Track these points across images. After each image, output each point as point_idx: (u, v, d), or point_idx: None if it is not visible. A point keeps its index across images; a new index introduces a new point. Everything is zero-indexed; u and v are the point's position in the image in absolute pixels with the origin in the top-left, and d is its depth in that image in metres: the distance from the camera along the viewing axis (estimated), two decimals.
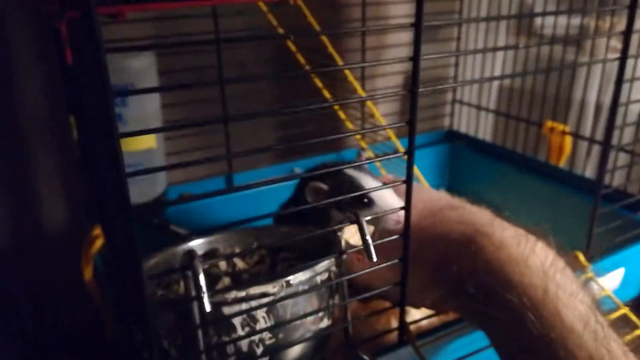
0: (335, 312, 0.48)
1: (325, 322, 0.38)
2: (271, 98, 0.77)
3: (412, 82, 0.33)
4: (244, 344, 0.35)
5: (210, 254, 0.47)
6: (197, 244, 0.47)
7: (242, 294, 0.33)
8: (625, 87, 0.47)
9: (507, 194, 0.78)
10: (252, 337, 0.34)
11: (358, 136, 0.76)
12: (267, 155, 0.77)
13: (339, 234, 0.38)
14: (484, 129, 0.84)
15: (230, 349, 0.35)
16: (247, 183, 0.73)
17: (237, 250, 0.48)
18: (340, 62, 0.67)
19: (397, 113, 0.95)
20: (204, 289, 0.29)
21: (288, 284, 0.35)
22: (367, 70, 0.79)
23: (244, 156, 0.65)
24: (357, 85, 0.68)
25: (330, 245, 0.39)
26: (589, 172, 0.74)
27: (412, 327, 0.43)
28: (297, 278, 0.35)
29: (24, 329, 0.58)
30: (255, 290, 0.34)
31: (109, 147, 0.25)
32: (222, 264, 0.45)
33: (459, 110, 0.87)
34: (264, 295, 0.34)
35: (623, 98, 0.47)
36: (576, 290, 0.33)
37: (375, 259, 0.35)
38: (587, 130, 0.76)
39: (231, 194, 0.70)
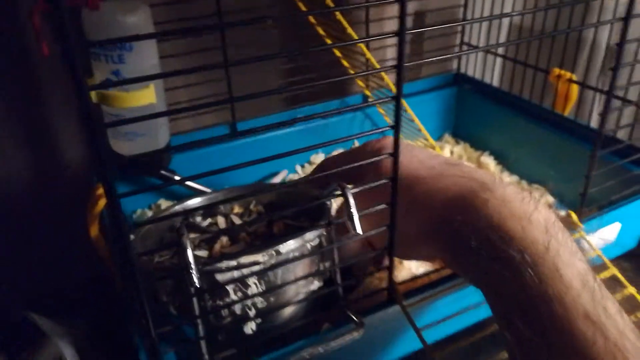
0: None
1: (316, 284, 0.40)
2: (275, 47, 0.76)
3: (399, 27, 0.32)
4: (237, 308, 0.37)
5: (210, 211, 0.48)
6: (197, 202, 0.49)
7: (234, 262, 0.35)
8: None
9: (512, 140, 0.78)
10: (245, 302, 0.37)
11: (361, 82, 0.76)
12: (271, 103, 0.77)
13: (327, 203, 0.39)
14: (492, 73, 0.82)
15: (224, 312, 0.37)
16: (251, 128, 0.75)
17: (237, 208, 0.50)
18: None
19: (406, 57, 0.93)
20: (192, 265, 0.31)
21: (278, 252, 0.36)
22: (372, 14, 0.76)
23: (246, 100, 0.65)
24: (351, 30, 0.66)
25: (322, 211, 0.40)
26: (595, 123, 0.72)
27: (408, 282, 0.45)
28: (287, 247, 0.36)
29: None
30: (245, 259, 0.35)
31: (80, 100, 0.25)
32: (221, 221, 0.47)
33: (466, 54, 0.85)
34: (255, 263, 0.35)
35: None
36: (575, 249, 0.33)
37: (360, 232, 0.36)
38: (594, 78, 0.74)
39: (236, 142, 0.71)
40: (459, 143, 0.84)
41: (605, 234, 0.58)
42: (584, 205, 0.53)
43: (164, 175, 0.61)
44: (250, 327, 0.38)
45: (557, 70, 0.70)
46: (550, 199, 0.70)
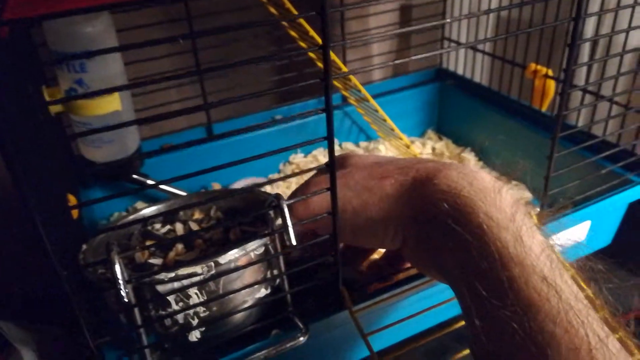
0: None
1: (263, 292, 0.41)
2: (249, 44, 0.76)
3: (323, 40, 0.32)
4: (179, 317, 0.38)
5: (170, 218, 0.49)
6: (156, 209, 0.50)
7: (172, 274, 0.36)
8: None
9: (492, 137, 0.77)
10: (187, 311, 0.37)
11: (337, 84, 0.76)
12: (246, 104, 0.77)
13: (270, 213, 0.39)
14: (473, 68, 0.81)
15: (167, 321, 0.38)
16: (227, 131, 0.75)
17: (197, 214, 0.50)
18: None
19: (394, 52, 0.93)
20: (120, 280, 0.32)
21: (217, 263, 0.37)
22: (351, 13, 0.76)
23: (220, 105, 0.66)
24: (313, 33, 0.66)
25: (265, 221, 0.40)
26: (576, 119, 0.71)
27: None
28: (227, 257, 0.37)
29: None
30: (184, 271, 0.36)
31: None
32: (179, 228, 0.48)
33: (448, 48, 0.84)
34: (194, 275, 0.36)
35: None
36: (536, 227, 0.34)
37: (294, 243, 0.36)
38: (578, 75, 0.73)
39: (213, 143, 0.72)
40: (442, 139, 0.84)
41: (574, 233, 0.58)
42: (546, 204, 0.52)
43: (136, 180, 0.62)
44: (194, 336, 0.39)
45: (533, 66, 0.69)
46: (529, 195, 0.70)
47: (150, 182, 0.64)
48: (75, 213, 0.49)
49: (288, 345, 0.39)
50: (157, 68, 0.63)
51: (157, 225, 0.48)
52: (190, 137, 0.71)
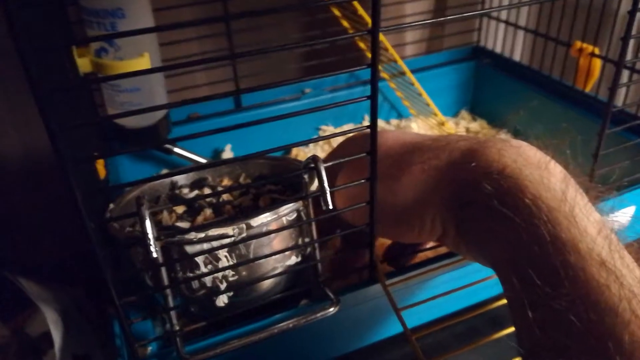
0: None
1: (294, 260, 0.39)
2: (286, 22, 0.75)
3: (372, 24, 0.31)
4: (207, 280, 0.36)
5: (198, 183, 0.48)
6: (186, 174, 0.49)
7: (202, 235, 0.34)
8: None
9: (531, 118, 0.74)
10: (216, 274, 0.36)
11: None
12: (279, 76, 0.75)
13: (304, 177, 0.37)
14: (513, 46, 0.78)
15: (195, 284, 0.36)
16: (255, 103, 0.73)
17: (226, 180, 0.49)
18: None
19: (430, 12, 0.89)
20: (150, 235, 0.30)
21: (249, 226, 0.35)
22: None
23: (252, 91, 0.64)
24: (362, 11, 0.64)
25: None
26: (621, 101, 0.68)
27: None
28: (259, 220, 0.35)
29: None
30: (215, 231, 0.35)
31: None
32: (207, 193, 0.47)
33: (486, 25, 0.81)
34: (224, 236, 0.35)
35: None
36: (589, 204, 0.31)
37: (330, 207, 0.34)
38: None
39: (240, 114, 0.71)
40: (476, 120, 0.81)
41: (617, 219, 0.55)
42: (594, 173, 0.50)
43: (165, 147, 0.61)
44: (222, 300, 0.37)
45: (579, 44, 0.66)
46: None
47: (178, 150, 0.62)
48: (102, 173, 0.48)
49: (318, 315, 0.37)
50: (186, 50, 0.62)
51: (185, 190, 0.47)
52: (218, 108, 0.70)
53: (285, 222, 0.38)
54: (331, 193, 0.41)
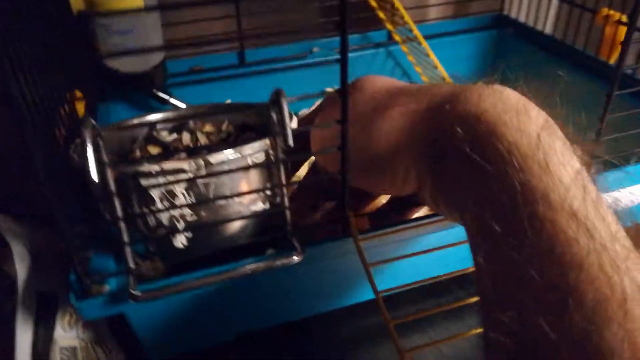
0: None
1: (261, 206, 0.37)
2: None
3: None
4: (164, 218, 0.35)
5: (178, 127, 0.46)
6: (167, 116, 0.47)
7: (156, 167, 0.33)
8: None
9: (552, 90, 0.70)
10: (172, 212, 0.34)
11: (382, 15, 0.70)
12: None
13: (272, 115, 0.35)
14: (537, 13, 0.73)
15: (152, 221, 0.35)
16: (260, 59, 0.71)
17: (208, 127, 0.47)
18: None
19: None
20: (90, 160, 0.29)
21: (208, 163, 0.33)
22: None
23: (255, 39, 0.62)
24: None
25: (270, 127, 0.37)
26: None
27: None
28: (218, 158, 0.34)
29: None
30: (169, 165, 0.33)
31: None
32: (186, 139, 0.45)
33: None
34: (180, 171, 0.33)
35: None
36: (572, 152, 0.28)
37: (291, 144, 0.32)
38: None
39: (242, 69, 0.69)
40: None
41: (627, 196, 0.51)
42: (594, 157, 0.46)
43: (157, 95, 0.60)
44: (180, 241, 0.36)
45: (605, 10, 0.61)
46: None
47: (173, 101, 0.61)
48: (80, 110, 0.47)
49: (279, 262, 0.35)
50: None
51: (164, 133, 0.45)
52: (221, 62, 0.68)
53: (250, 162, 0.35)
54: (307, 140, 0.38)
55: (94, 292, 0.35)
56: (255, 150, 0.35)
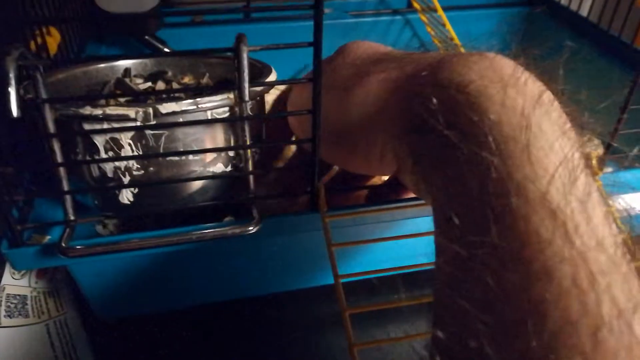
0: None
1: (221, 167, 0.34)
2: None
3: None
4: (108, 169, 0.31)
5: (157, 75, 0.43)
6: (145, 62, 0.44)
7: (98, 111, 0.29)
8: None
9: (578, 78, 0.64)
10: (117, 164, 0.31)
11: None
12: None
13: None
14: None
15: (95, 171, 0.32)
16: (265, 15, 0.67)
17: (187, 78, 0.44)
18: None
19: None
20: (12, 93, 0.25)
21: (157, 112, 0.30)
22: None
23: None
24: None
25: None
26: None
27: None
28: (169, 108, 0.30)
29: None
30: (113, 110, 0.29)
31: None
32: (160, 86, 0.41)
33: None
34: (124, 118, 0.29)
35: None
36: (568, 131, 0.23)
37: (247, 99, 0.28)
38: None
39: (246, 26, 0.64)
40: None
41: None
42: (611, 148, 0.41)
43: (151, 43, 0.56)
44: (125, 197, 0.32)
45: None
46: (600, 152, 0.57)
47: (166, 50, 0.57)
48: (52, 48, 0.43)
49: (231, 231, 0.32)
50: None
51: (139, 81, 0.42)
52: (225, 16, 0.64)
53: (209, 116, 0.32)
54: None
55: (33, 242, 0.33)
56: (215, 104, 0.31)
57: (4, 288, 0.40)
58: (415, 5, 0.65)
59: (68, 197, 0.31)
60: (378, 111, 0.29)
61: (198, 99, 0.30)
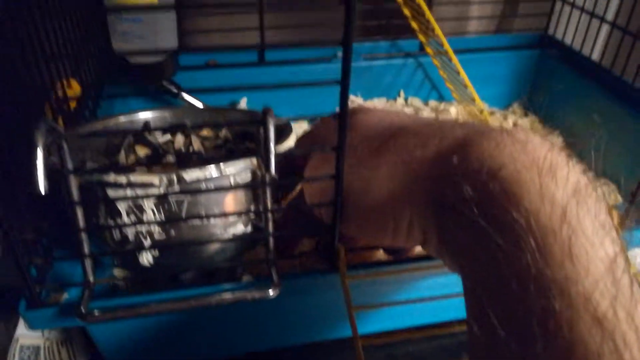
0: None
1: (241, 228, 0.34)
2: None
3: None
4: (130, 233, 0.31)
5: (173, 129, 0.43)
6: (165, 115, 0.44)
7: (122, 178, 0.30)
8: None
9: (591, 124, 0.64)
10: (139, 228, 0.31)
11: (414, 24, 0.65)
12: (309, 31, 0.69)
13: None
14: (585, 38, 0.67)
15: (117, 235, 0.32)
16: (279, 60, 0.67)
17: (205, 130, 0.44)
18: None
19: (500, 1, 0.80)
20: (39, 165, 0.25)
21: (181, 179, 0.30)
22: None
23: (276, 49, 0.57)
24: None
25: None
26: None
27: None
28: (193, 175, 0.30)
29: None
30: (138, 177, 0.30)
31: None
32: (179, 141, 0.42)
33: (559, 11, 0.70)
34: (148, 185, 0.30)
35: None
36: (609, 227, 0.22)
37: (273, 173, 0.28)
38: None
39: (260, 69, 0.65)
40: (528, 115, 0.71)
41: None
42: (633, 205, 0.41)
43: (167, 88, 0.57)
44: (146, 259, 0.32)
45: None
46: (619, 199, 0.57)
47: (185, 95, 0.58)
48: (72, 101, 0.44)
49: (250, 296, 0.31)
50: None
51: (158, 134, 0.42)
52: (239, 59, 0.65)
53: (232, 182, 0.32)
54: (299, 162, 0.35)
55: (51, 300, 0.33)
56: (239, 170, 0.31)
57: (18, 339, 0.40)
58: (428, 50, 0.65)
59: (88, 260, 0.31)
60: (405, 192, 0.28)
61: (222, 165, 0.31)
